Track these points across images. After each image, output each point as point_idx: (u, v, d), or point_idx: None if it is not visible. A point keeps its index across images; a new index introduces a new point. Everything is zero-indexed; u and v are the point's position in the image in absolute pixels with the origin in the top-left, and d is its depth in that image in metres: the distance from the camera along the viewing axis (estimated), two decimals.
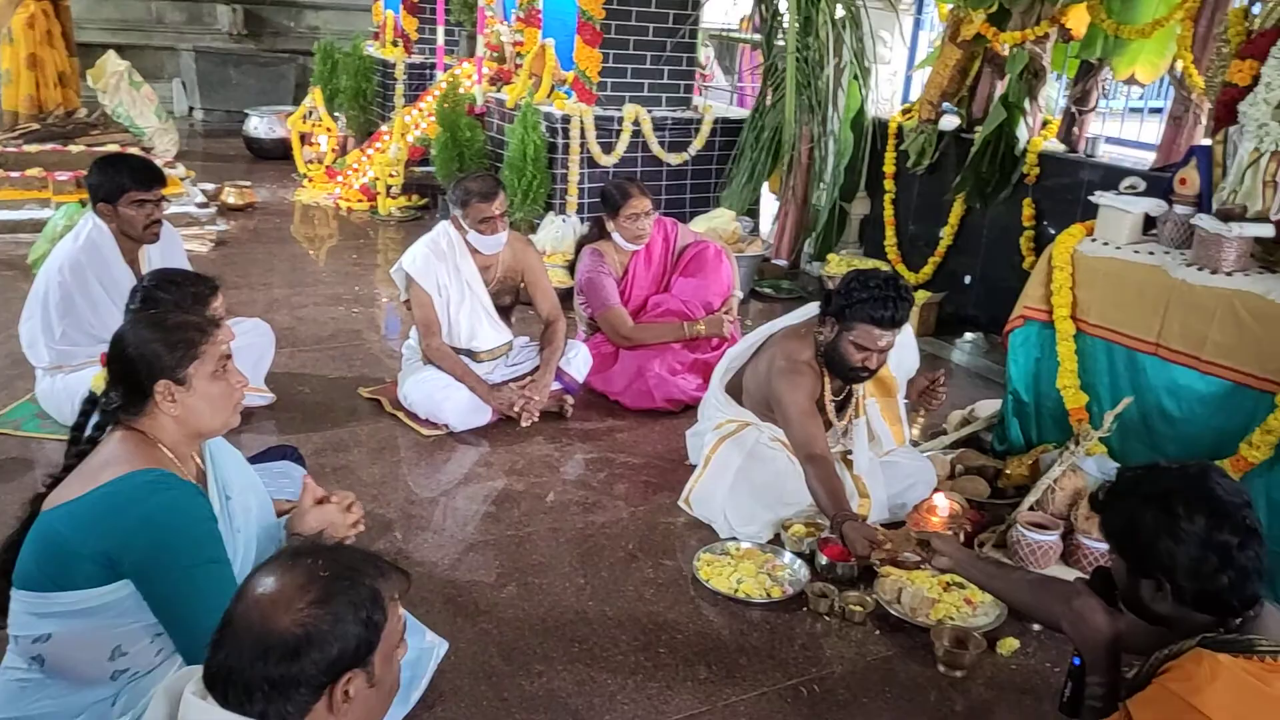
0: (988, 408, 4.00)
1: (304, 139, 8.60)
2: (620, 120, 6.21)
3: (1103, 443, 3.27)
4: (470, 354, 4.00)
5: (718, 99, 8.10)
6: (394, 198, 7.51)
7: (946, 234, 5.42)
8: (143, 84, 7.54)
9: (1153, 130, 5.18)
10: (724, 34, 9.65)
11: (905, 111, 5.80)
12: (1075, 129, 4.96)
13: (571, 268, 4.50)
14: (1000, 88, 5.15)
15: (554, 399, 4.05)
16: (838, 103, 5.87)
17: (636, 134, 6.27)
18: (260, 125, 9.31)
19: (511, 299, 4.21)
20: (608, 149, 6.20)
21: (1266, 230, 3.07)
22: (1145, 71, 4.64)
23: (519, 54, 7.16)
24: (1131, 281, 3.31)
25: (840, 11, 5.89)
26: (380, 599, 1.39)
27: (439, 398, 3.85)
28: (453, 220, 3.98)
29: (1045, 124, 5.09)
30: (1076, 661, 2.14)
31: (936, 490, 3.35)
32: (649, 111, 6.30)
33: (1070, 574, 2.92)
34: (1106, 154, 4.96)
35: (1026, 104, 4.97)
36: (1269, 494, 2.86)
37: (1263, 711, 1.68)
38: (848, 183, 5.94)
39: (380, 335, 5.04)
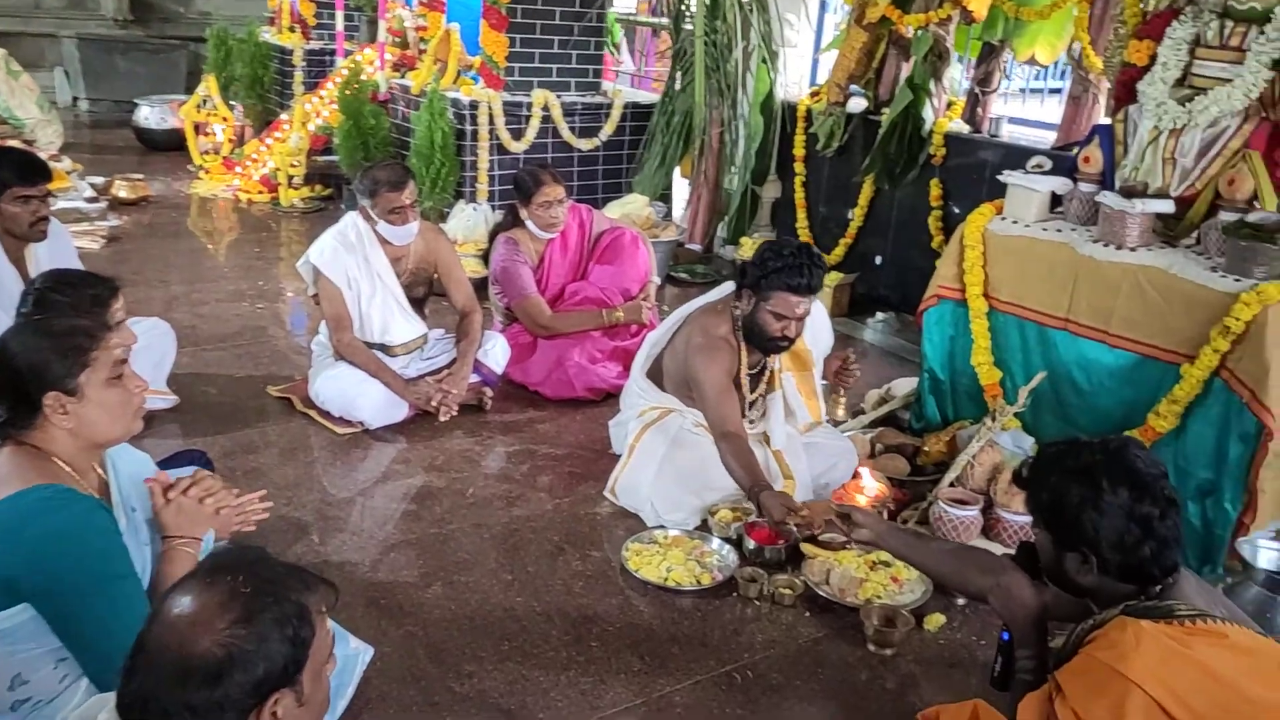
0: (904, 386, 4.07)
1: (198, 129, 8.28)
2: (529, 106, 6.11)
3: (1017, 417, 3.34)
4: (384, 348, 3.89)
5: (622, 83, 8.05)
6: (296, 188, 7.28)
7: (857, 215, 5.49)
8: (21, 73, 7.17)
9: (1053, 110, 5.32)
10: (631, 19, 9.59)
11: (813, 94, 5.84)
12: (979, 110, 5.06)
13: (485, 257, 4.42)
14: (906, 70, 5.22)
15: (472, 392, 3.97)
16: (747, 86, 5.87)
17: (546, 120, 6.18)
18: (151, 115, 8.94)
19: (425, 290, 4.11)
20: (517, 135, 6.11)
21: (1167, 206, 3.16)
22: (1045, 52, 4.77)
23: (423, 39, 6.99)
24: (1040, 258, 3.38)
25: None
26: (307, 614, 1.32)
27: (353, 394, 3.75)
28: (361, 211, 3.86)
29: (950, 105, 5.19)
30: (1006, 636, 2.18)
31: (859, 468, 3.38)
32: (558, 97, 6.22)
33: (992, 548, 2.99)
34: (1009, 134, 5.08)
35: (931, 86, 5.05)
36: (1175, 462, 2.95)
37: (1185, 673, 1.74)
38: (759, 166, 5.96)
39: (287, 331, 4.88)
